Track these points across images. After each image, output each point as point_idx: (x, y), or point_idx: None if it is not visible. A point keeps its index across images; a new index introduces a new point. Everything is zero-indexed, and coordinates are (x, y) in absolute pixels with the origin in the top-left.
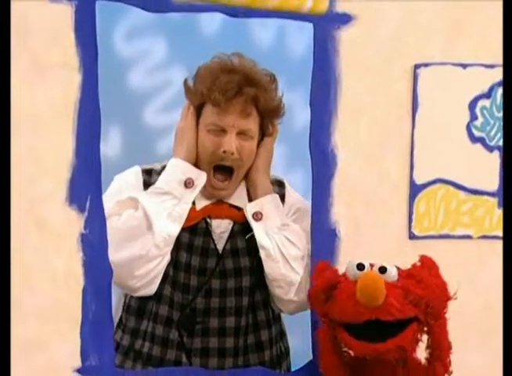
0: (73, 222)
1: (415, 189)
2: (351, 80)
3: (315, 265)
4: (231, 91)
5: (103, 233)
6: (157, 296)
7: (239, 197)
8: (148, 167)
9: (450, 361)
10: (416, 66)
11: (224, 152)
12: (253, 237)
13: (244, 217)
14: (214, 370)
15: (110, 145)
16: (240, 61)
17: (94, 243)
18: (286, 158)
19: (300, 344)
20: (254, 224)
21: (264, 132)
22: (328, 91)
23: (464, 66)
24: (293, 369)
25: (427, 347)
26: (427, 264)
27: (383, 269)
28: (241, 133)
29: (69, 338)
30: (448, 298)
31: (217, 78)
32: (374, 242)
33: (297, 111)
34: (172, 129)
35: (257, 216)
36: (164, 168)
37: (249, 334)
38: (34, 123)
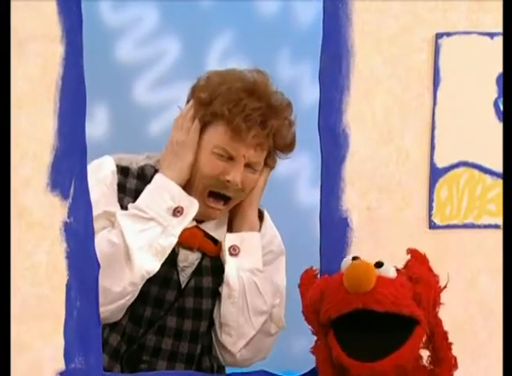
0: (56, 210)
1: (436, 174)
2: (364, 52)
3: (303, 273)
4: (255, 120)
5: (89, 222)
6: (112, 323)
7: (218, 228)
8: (124, 163)
9: (455, 358)
10: (438, 36)
11: (228, 181)
12: (221, 277)
13: (216, 251)
14: None
15: (97, 125)
16: (260, 78)
17: (79, 232)
18: None
19: (305, 348)
20: (227, 258)
21: (265, 163)
22: (339, 64)
23: (492, 35)
24: (296, 374)
25: (426, 348)
26: (420, 258)
27: (379, 264)
28: (248, 166)
29: (51, 338)
30: (441, 291)
31: (240, 100)
32: (390, 232)
33: (304, 87)
34: (166, 108)
35: (234, 250)
36: (141, 170)
37: None
38: (11, 101)
